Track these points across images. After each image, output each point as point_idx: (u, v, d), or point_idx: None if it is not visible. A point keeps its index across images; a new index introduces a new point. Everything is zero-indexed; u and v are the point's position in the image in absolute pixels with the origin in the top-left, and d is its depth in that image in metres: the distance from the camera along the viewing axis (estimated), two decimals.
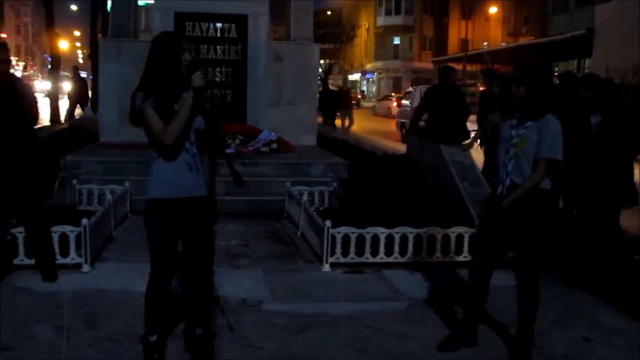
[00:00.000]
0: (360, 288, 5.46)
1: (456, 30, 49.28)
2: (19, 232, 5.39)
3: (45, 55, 53.20)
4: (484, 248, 4.24)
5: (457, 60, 38.60)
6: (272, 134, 9.67)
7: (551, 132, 3.95)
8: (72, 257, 5.52)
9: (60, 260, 5.45)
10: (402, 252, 6.01)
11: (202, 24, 10.04)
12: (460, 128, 8.93)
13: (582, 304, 5.21)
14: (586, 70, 25.39)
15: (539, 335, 4.46)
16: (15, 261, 5.41)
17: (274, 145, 9.49)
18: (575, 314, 4.96)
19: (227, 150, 8.55)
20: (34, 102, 5.25)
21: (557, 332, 4.61)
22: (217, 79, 10.12)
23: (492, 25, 45.25)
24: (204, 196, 3.64)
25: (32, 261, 5.39)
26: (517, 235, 4.06)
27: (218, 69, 10.15)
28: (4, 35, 53.77)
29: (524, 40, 35.88)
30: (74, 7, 49.90)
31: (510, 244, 4.19)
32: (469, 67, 39.53)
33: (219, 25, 10.08)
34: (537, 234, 4.05)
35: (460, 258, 6.06)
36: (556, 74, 11.21)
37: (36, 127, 5.63)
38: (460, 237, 6.09)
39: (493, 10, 42.86)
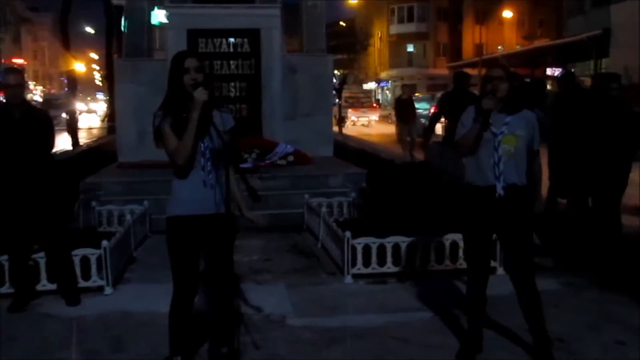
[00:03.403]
0: (384, 299, 5.39)
1: (470, 36, 49.04)
2: (41, 258, 5.38)
3: (63, 79, 53.86)
4: (481, 254, 4.18)
5: (473, 65, 38.42)
6: (289, 146, 9.63)
7: (537, 126, 4.10)
8: (94, 280, 5.50)
9: (82, 283, 5.44)
10: (425, 261, 5.93)
11: (215, 39, 10.05)
12: None
13: (614, 307, 5.08)
14: (602, 71, 25.15)
15: (572, 341, 4.39)
16: (38, 287, 5.39)
17: (291, 158, 9.45)
18: (608, 318, 4.85)
19: (244, 165, 8.55)
20: (50, 127, 5.25)
21: (590, 336, 4.50)
22: (232, 94, 10.12)
23: (506, 29, 44.94)
24: (222, 213, 3.60)
25: (55, 286, 5.39)
26: (515, 235, 4.03)
27: (232, 84, 10.16)
28: (21, 61, 54.59)
29: (539, 43, 35.62)
30: (89, 30, 50.58)
31: (505, 247, 4.24)
32: (484, 72, 39.22)
33: (231, 40, 10.10)
34: (531, 231, 4.12)
35: None
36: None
37: (53, 150, 5.63)
38: None
39: (507, 14, 42.62)
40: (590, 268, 5.89)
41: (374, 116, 35.90)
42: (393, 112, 22.25)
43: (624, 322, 4.75)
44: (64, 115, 21.70)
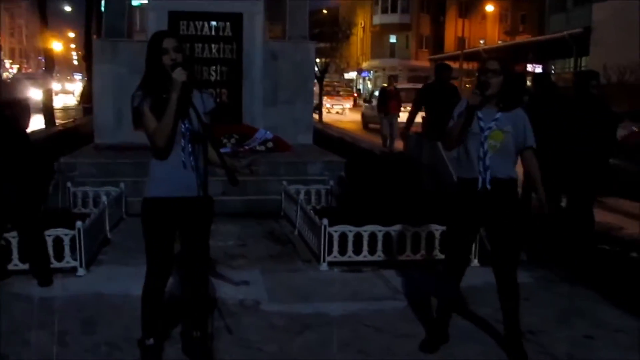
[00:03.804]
0: (359, 287, 5.41)
1: (453, 29, 49.24)
2: (13, 237, 5.31)
3: (40, 57, 52.94)
4: (462, 247, 4.20)
5: (454, 58, 38.60)
6: (269, 132, 9.60)
7: (529, 123, 4.05)
8: (67, 261, 5.44)
9: (55, 264, 5.37)
10: (400, 250, 5.96)
11: (197, 22, 9.96)
12: None
13: (584, 301, 5.16)
14: (582, 69, 25.43)
15: (542, 334, 4.45)
16: (10, 266, 5.33)
17: (270, 144, 9.42)
18: (578, 312, 4.91)
19: (223, 150, 8.50)
20: (25, 107, 5.18)
21: (560, 330, 4.56)
22: (212, 78, 10.06)
23: (489, 23, 45.29)
24: (199, 196, 3.58)
25: (27, 266, 5.32)
26: (500, 228, 4.03)
27: (213, 68, 10.09)
28: None
29: (521, 39, 35.89)
30: (67, 8, 49.69)
31: (491, 239, 4.23)
32: (465, 66, 39.56)
33: (213, 23, 10.01)
34: (518, 225, 4.07)
35: None
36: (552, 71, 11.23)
37: (28, 130, 5.55)
38: None
39: (490, 8, 42.86)
40: (562, 263, 5.97)
41: (348, 104, 37.44)
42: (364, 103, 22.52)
43: (593, 317, 4.81)
44: (36, 95, 21.39)
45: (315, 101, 27.77)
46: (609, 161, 6.50)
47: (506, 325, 4.14)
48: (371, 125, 24.34)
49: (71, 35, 72.67)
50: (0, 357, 3.92)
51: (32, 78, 31.72)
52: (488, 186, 3.95)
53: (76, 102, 34.03)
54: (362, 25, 58.42)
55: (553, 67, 31.86)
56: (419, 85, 14.21)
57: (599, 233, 6.59)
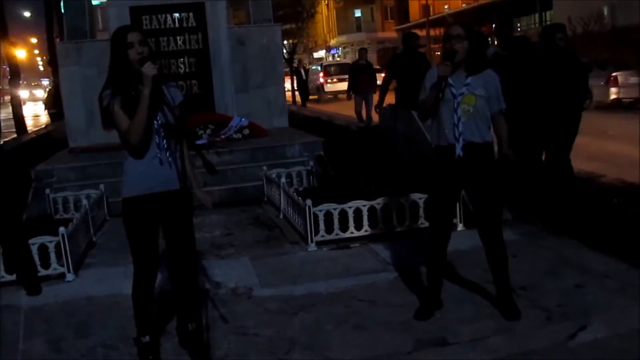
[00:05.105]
0: (349, 263, 5.43)
1: None
2: None
3: (5, 66, 51.88)
4: (445, 213, 4.23)
5: (421, 26, 38.60)
6: (244, 119, 9.56)
7: (499, 85, 4.05)
8: (55, 268, 5.39)
9: (42, 272, 5.33)
10: (387, 223, 5.99)
11: (159, 15, 9.86)
12: None
13: (570, 251, 5.24)
14: (548, 23, 25.53)
15: (533, 288, 4.51)
16: None
17: (247, 131, 9.40)
18: (565, 263, 4.99)
19: (200, 142, 8.47)
20: None
21: (549, 282, 4.63)
22: (181, 70, 9.97)
23: None
24: (178, 189, 3.56)
25: (14, 277, 5.27)
26: (480, 191, 4.08)
27: (181, 60, 10.01)
28: None
29: (484, 0, 35.95)
30: (27, 14, 48.78)
31: (473, 202, 4.30)
32: (432, 32, 39.55)
33: (176, 15, 9.91)
34: (497, 186, 4.09)
35: None
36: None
37: None
38: None
39: None
40: (545, 217, 6.03)
41: None
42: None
43: (581, 266, 4.89)
44: None
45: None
46: (582, 111, 6.54)
47: (497, 285, 4.20)
48: (311, 97, 29.10)
49: (33, 40, 71.31)
50: None
51: None
52: (461, 153, 3.96)
53: (44, 110, 33.53)
54: (326, 2, 58.07)
55: (519, 25, 31.99)
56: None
57: (580, 182, 6.66)
